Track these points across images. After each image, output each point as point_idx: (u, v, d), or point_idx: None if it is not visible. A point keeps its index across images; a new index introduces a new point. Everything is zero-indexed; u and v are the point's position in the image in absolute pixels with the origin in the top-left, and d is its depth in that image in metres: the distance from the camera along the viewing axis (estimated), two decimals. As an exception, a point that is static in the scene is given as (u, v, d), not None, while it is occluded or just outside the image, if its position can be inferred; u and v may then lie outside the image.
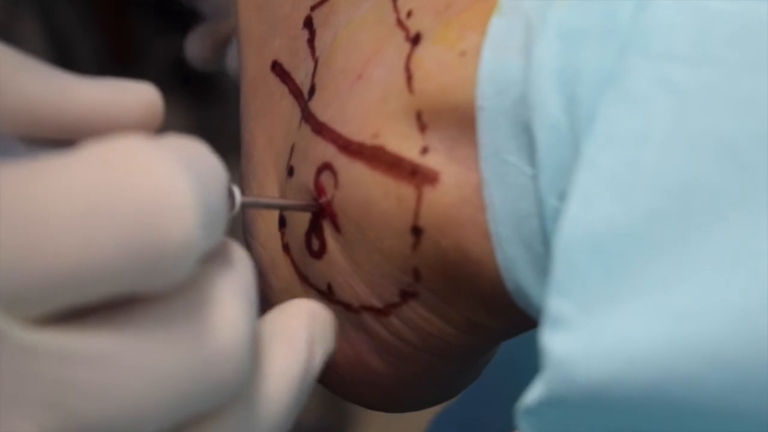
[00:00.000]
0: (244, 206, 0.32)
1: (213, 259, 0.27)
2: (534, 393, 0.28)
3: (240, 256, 0.28)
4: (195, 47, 0.60)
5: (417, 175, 0.33)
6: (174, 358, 0.25)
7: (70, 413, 0.24)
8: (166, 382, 0.24)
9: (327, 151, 0.35)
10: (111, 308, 0.24)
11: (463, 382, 0.40)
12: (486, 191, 0.32)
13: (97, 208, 0.23)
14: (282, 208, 0.38)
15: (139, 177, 0.24)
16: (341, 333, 0.37)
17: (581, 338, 0.27)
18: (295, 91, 0.38)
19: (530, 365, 0.45)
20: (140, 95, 0.29)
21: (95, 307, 0.24)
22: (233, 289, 0.26)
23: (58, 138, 0.29)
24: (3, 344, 0.23)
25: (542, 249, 0.32)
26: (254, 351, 0.27)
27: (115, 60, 1.41)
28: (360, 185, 0.34)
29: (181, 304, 0.25)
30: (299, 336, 0.30)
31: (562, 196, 0.30)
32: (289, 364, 0.29)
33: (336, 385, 0.39)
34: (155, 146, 0.24)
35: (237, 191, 0.31)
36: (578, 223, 0.28)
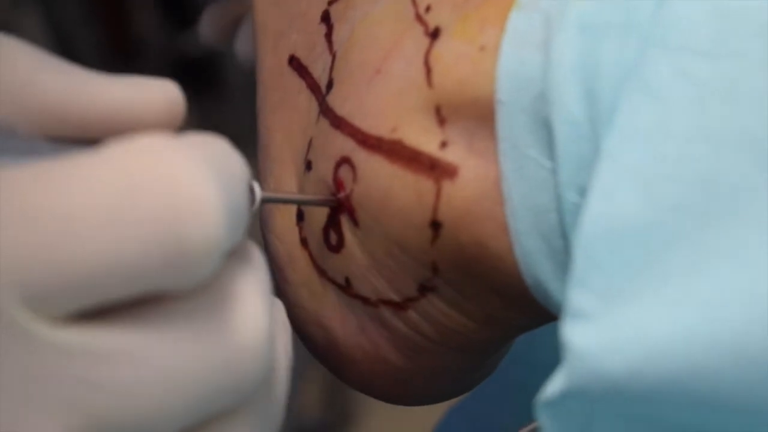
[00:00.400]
0: (264, 202, 0.32)
1: (234, 256, 0.27)
2: (555, 385, 0.28)
3: (256, 253, 0.29)
4: (208, 25, 0.61)
5: (436, 169, 0.33)
6: (198, 355, 0.25)
7: (95, 412, 0.24)
8: (191, 379, 0.25)
9: (345, 146, 0.36)
10: (136, 307, 0.25)
11: (480, 375, 0.40)
12: (505, 185, 0.32)
13: (122, 208, 0.23)
14: (301, 204, 0.38)
15: (163, 176, 0.24)
16: (359, 327, 0.37)
17: (602, 330, 0.27)
18: (313, 86, 0.39)
19: (542, 360, 0.45)
20: (162, 92, 0.29)
21: (120, 306, 0.24)
22: (254, 286, 0.27)
23: (82, 136, 0.29)
24: (28, 342, 0.23)
25: (561, 243, 0.32)
26: (273, 346, 0.28)
27: (116, 54, 1.41)
28: (379, 179, 0.34)
29: (205, 303, 0.25)
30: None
31: (582, 191, 0.31)
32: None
33: (354, 379, 0.39)
34: (179, 145, 0.24)
35: (257, 187, 0.31)
36: (599, 216, 0.28)
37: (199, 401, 0.25)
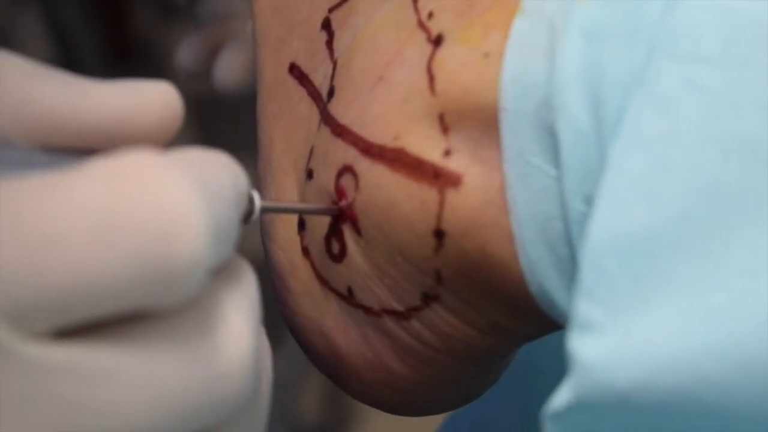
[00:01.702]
0: (264, 211, 0.31)
1: (220, 274, 0.27)
2: (561, 397, 0.28)
3: (245, 269, 0.28)
4: (187, 55, 0.60)
5: (440, 178, 0.33)
6: (180, 375, 0.24)
7: (72, 431, 0.23)
8: (172, 399, 0.24)
9: (347, 154, 0.35)
10: (119, 324, 0.24)
11: (483, 385, 0.40)
12: (509, 193, 0.32)
13: (106, 225, 0.23)
14: (302, 212, 0.38)
15: (148, 194, 0.23)
16: (362, 336, 0.37)
17: (610, 342, 0.27)
18: (314, 94, 0.38)
19: (544, 366, 0.44)
20: (158, 96, 0.29)
21: (102, 323, 0.24)
22: (239, 305, 0.26)
23: (79, 146, 0.29)
24: (7, 360, 0.23)
25: (566, 252, 0.32)
26: (259, 366, 0.27)
27: (115, 54, 1.41)
28: (381, 188, 0.34)
29: (188, 322, 0.25)
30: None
31: (587, 199, 0.30)
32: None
33: (356, 389, 0.39)
34: (166, 162, 0.24)
35: (256, 196, 0.30)
36: (606, 226, 0.28)
37: (181, 421, 0.25)
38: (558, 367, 0.30)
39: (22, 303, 0.23)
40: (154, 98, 0.29)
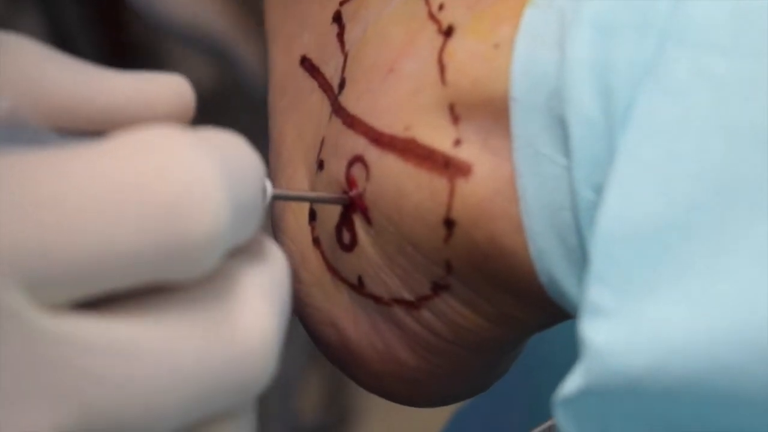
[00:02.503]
0: (275, 198, 0.32)
1: (244, 254, 0.27)
2: (573, 382, 0.28)
3: (275, 253, 0.28)
4: None
5: (450, 167, 0.33)
6: (198, 351, 0.24)
7: (89, 404, 0.23)
8: (190, 375, 0.24)
9: (358, 144, 0.36)
10: (136, 298, 0.24)
11: (493, 376, 0.40)
12: (519, 183, 0.32)
13: (124, 195, 0.23)
14: (312, 201, 0.38)
15: (167, 166, 0.24)
16: (372, 326, 0.37)
17: (621, 327, 0.27)
18: (325, 86, 0.38)
19: (551, 359, 0.45)
20: (171, 85, 0.29)
21: (120, 296, 0.24)
22: (262, 286, 0.26)
23: (91, 129, 0.29)
24: (23, 329, 0.23)
25: (576, 241, 0.32)
26: (279, 350, 0.27)
27: (114, 56, 1.41)
28: (392, 178, 0.34)
29: (207, 298, 0.25)
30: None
31: (597, 188, 0.31)
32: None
33: (365, 379, 0.39)
34: (187, 137, 0.24)
35: (268, 183, 0.31)
36: (617, 213, 0.28)
37: (199, 399, 0.25)
38: (567, 362, 0.30)
39: (39, 272, 0.23)
40: (167, 87, 0.29)
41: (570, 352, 0.30)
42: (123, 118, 0.29)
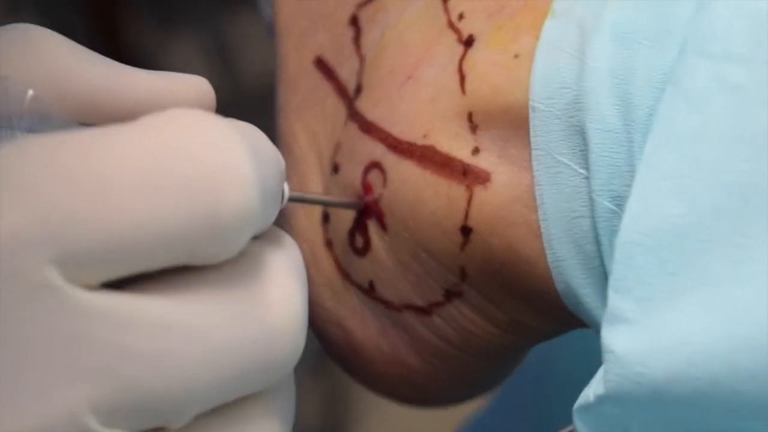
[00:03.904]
0: (291, 200, 0.32)
1: (266, 240, 0.27)
2: (593, 389, 0.28)
3: (288, 240, 0.29)
4: None
5: (468, 175, 0.33)
6: (230, 328, 0.25)
7: (124, 381, 0.23)
8: (221, 352, 0.25)
9: (375, 150, 0.36)
10: (167, 276, 0.24)
11: (497, 380, 0.40)
12: (538, 191, 0.33)
13: (161, 172, 0.24)
14: (328, 205, 0.38)
15: (201, 144, 0.24)
16: (380, 330, 0.37)
17: (642, 335, 0.28)
18: (340, 89, 0.39)
19: (564, 368, 0.45)
20: (193, 85, 0.30)
21: (151, 276, 0.24)
22: (287, 267, 0.27)
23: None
24: (60, 305, 0.23)
25: (593, 249, 0.32)
26: (306, 330, 0.28)
27: (112, 55, 1.41)
28: (409, 184, 0.34)
29: (238, 276, 0.25)
30: None
31: (615, 198, 0.31)
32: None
33: (369, 380, 0.39)
34: (218, 119, 0.25)
35: (285, 185, 0.31)
36: (638, 220, 0.28)
37: (230, 375, 0.25)
38: (578, 368, 0.30)
39: (76, 247, 0.23)
40: (190, 86, 0.30)
41: (582, 360, 0.30)
42: (145, 113, 0.29)
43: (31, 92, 0.27)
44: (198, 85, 0.30)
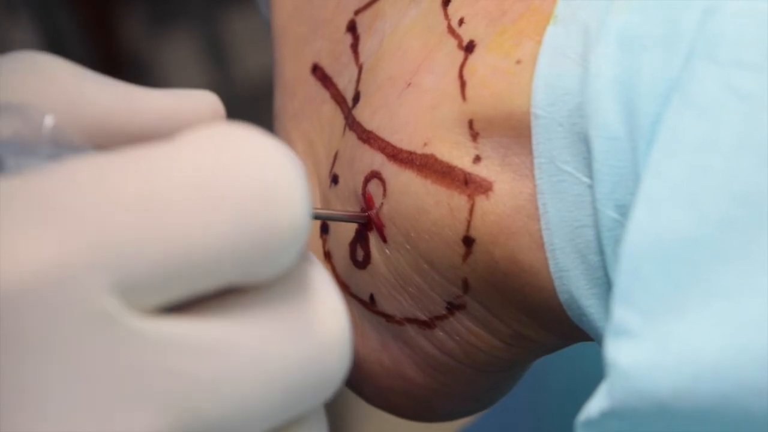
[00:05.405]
0: (314, 218, 0.31)
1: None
2: (596, 404, 0.28)
3: (312, 254, 0.28)
4: None
5: (470, 185, 0.33)
6: (287, 347, 0.24)
7: (185, 407, 0.23)
8: (280, 372, 0.24)
9: (375, 160, 0.35)
10: (220, 298, 0.24)
11: (498, 394, 0.39)
12: (540, 200, 0.32)
13: (215, 190, 0.23)
14: (330, 219, 0.37)
15: (255, 162, 0.24)
16: (380, 343, 0.37)
17: (647, 349, 0.27)
18: (338, 98, 0.38)
19: (560, 372, 0.44)
20: (205, 102, 0.29)
21: (203, 300, 0.24)
22: (328, 281, 0.26)
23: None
24: (120, 333, 0.22)
25: (597, 259, 0.31)
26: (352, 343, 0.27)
27: (105, 67, 1.41)
28: (410, 194, 0.34)
29: (286, 295, 0.25)
30: None
31: (619, 207, 0.30)
32: None
33: (369, 393, 0.38)
34: (264, 135, 0.24)
35: None
36: (644, 231, 0.28)
37: (285, 398, 0.24)
38: (571, 369, 0.29)
39: (134, 273, 0.22)
40: (201, 104, 0.29)
41: (582, 361, 0.29)
42: (161, 135, 0.28)
43: (50, 118, 0.26)
44: (210, 102, 0.29)
